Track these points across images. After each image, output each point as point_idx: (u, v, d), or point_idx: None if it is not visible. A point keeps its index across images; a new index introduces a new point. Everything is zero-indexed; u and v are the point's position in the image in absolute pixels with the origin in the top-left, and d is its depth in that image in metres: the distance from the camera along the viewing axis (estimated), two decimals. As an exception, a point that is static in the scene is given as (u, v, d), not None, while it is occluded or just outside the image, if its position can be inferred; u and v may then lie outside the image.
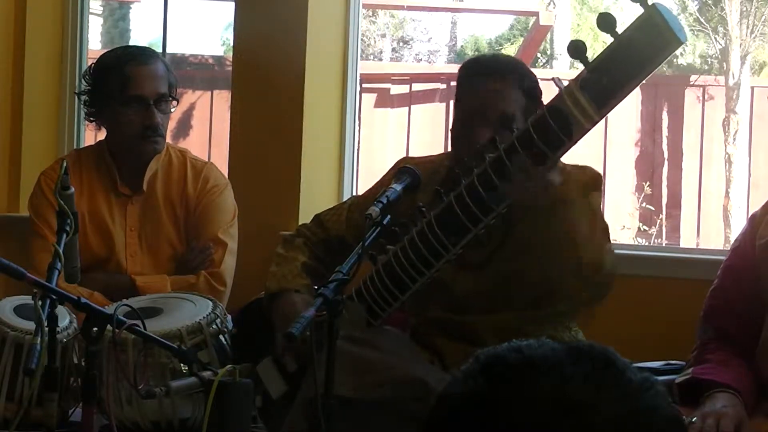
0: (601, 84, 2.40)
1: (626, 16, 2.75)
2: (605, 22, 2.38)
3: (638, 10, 2.38)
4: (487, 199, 2.61)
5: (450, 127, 2.97)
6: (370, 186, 3.16)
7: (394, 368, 2.69)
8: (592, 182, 2.86)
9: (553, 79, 2.54)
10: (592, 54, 2.44)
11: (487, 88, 2.84)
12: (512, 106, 2.81)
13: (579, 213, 2.69)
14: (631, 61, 2.37)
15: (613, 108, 2.45)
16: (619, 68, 2.38)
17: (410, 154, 6.60)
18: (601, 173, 2.94)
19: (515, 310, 2.88)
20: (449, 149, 3.04)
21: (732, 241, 3.04)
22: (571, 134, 2.47)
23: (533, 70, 3.06)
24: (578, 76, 2.45)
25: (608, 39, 2.44)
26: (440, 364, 2.89)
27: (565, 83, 2.49)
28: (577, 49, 2.42)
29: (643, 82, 2.44)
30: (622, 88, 2.40)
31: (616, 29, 2.38)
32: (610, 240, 2.85)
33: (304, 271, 3.00)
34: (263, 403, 2.93)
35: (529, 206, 2.67)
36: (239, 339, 3.06)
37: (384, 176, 3.08)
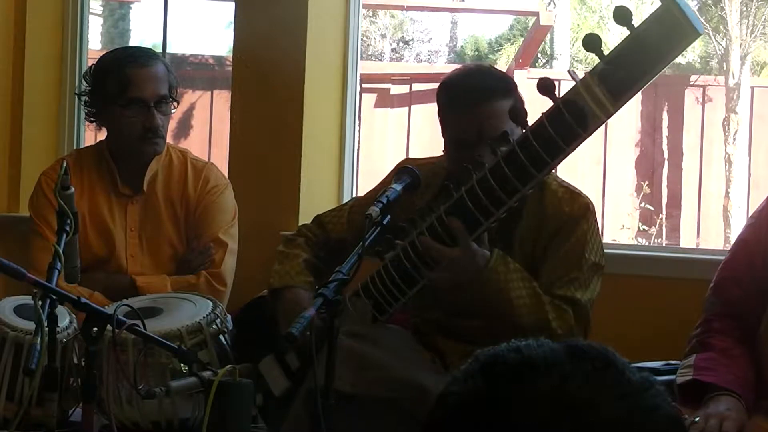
0: (618, 76, 2.41)
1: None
2: (621, 15, 2.39)
3: (641, 6, 2.39)
4: (500, 192, 2.61)
5: (444, 147, 2.96)
6: (370, 186, 3.16)
7: (392, 368, 2.69)
8: (576, 213, 2.86)
9: (568, 71, 2.54)
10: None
11: (477, 117, 2.82)
12: (504, 119, 2.78)
13: (515, 283, 2.74)
14: (648, 53, 2.38)
15: (628, 100, 2.46)
16: (636, 60, 2.39)
17: (410, 154, 6.63)
18: (591, 201, 2.93)
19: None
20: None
21: (746, 219, 3.05)
22: (587, 126, 2.47)
23: (533, 70, 3.06)
24: (594, 68, 2.45)
25: (608, 38, 2.44)
26: (441, 363, 2.89)
27: (581, 75, 2.49)
28: (591, 43, 2.42)
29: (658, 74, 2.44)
30: (639, 79, 2.41)
31: (632, 22, 2.39)
32: (597, 272, 2.87)
33: (307, 268, 3.01)
34: (264, 400, 2.93)
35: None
36: (240, 337, 3.06)
37: (386, 177, 3.08)
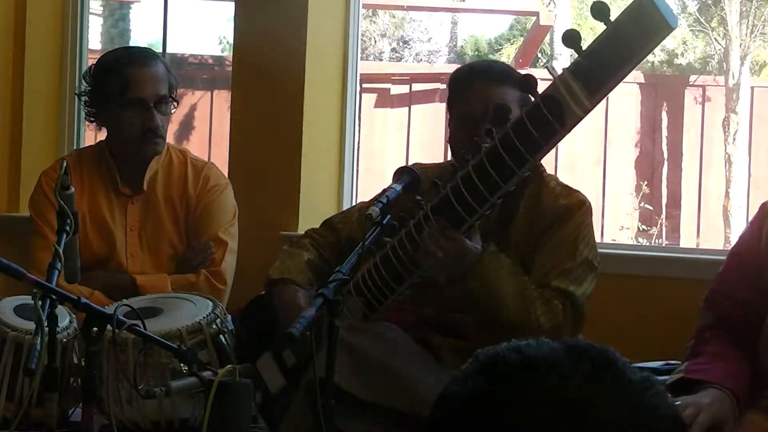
0: (593, 71, 2.40)
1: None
2: (598, 10, 2.38)
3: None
4: (483, 189, 2.62)
5: (448, 137, 2.98)
6: (370, 186, 3.17)
7: (417, 382, 2.68)
8: (572, 205, 2.87)
9: (546, 67, 2.54)
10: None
11: (487, 93, 2.86)
12: (512, 105, 2.83)
13: (499, 275, 2.76)
14: (622, 48, 2.37)
15: (605, 95, 2.45)
16: (610, 55, 2.38)
17: (410, 154, 6.64)
18: (588, 200, 2.94)
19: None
20: (450, 156, 3.05)
21: (741, 232, 3.04)
22: (564, 122, 2.46)
23: (533, 70, 3.07)
24: (571, 63, 2.45)
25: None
26: (437, 361, 2.90)
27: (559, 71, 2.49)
28: (571, 38, 2.42)
29: (636, 68, 2.43)
30: (614, 75, 2.40)
31: (610, 17, 2.38)
32: (591, 270, 2.87)
33: (308, 267, 3.02)
34: (263, 398, 2.93)
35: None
36: (244, 335, 3.07)
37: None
